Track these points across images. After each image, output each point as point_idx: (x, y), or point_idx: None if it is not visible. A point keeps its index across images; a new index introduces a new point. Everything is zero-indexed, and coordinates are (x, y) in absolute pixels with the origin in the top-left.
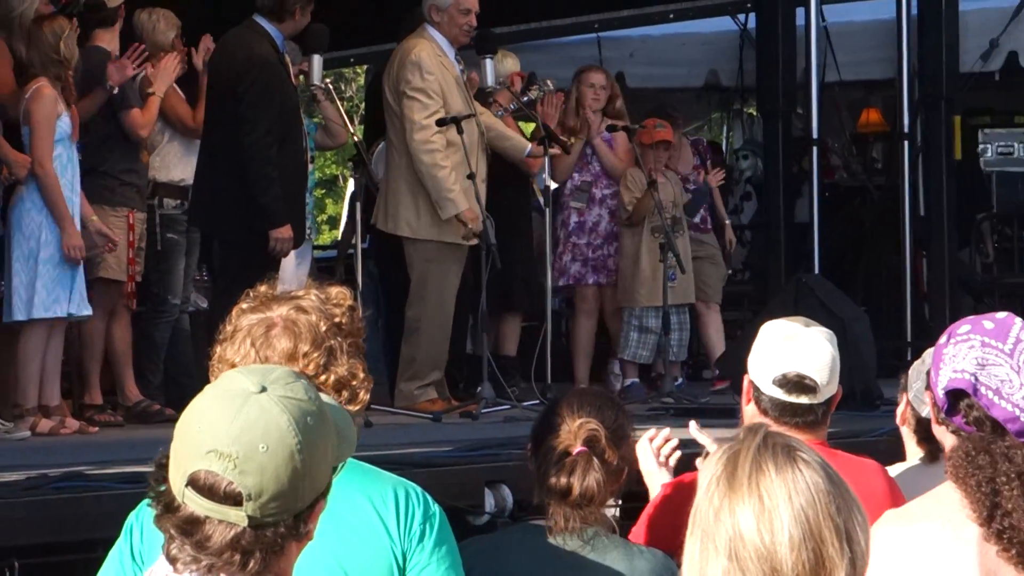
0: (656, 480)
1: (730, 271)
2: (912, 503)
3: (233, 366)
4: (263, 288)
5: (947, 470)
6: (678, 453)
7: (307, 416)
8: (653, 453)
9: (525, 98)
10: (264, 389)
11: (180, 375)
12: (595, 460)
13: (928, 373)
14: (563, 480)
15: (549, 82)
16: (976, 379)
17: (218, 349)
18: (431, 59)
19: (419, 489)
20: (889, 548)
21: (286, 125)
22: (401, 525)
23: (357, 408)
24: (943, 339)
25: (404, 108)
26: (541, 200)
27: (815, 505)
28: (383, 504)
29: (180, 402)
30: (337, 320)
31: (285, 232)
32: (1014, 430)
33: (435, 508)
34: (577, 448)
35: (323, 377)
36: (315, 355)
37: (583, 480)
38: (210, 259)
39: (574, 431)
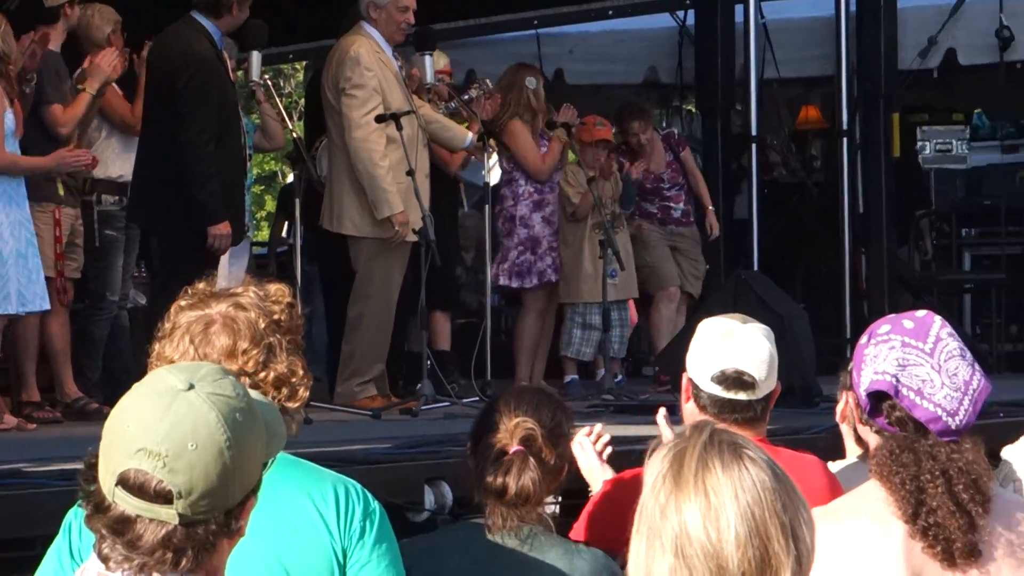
0: (596, 477)
1: (708, 266)
2: (838, 500)
3: (172, 363)
4: (202, 285)
5: (871, 468)
6: (609, 449)
7: (236, 412)
8: (591, 449)
9: (466, 96)
10: (192, 386)
11: (119, 371)
12: (531, 460)
13: (850, 373)
14: (499, 480)
15: (488, 81)
16: (897, 380)
17: (157, 346)
18: (370, 56)
19: (359, 486)
20: (816, 545)
21: (224, 121)
22: (341, 522)
23: (297, 405)
24: (863, 339)
25: (343, 106)
26: (464, 198)
27: (761, 503)
28: (323, 501)
29: (119, 399)
30: (276, 317)
31: (223, 228)
32: (936, 430)
33: (375, 505)
34: (513, 447)
35: (262, 374)
36: (254, 352)
37: (519, 480)
38: (149, 256)
39: (510, 430)
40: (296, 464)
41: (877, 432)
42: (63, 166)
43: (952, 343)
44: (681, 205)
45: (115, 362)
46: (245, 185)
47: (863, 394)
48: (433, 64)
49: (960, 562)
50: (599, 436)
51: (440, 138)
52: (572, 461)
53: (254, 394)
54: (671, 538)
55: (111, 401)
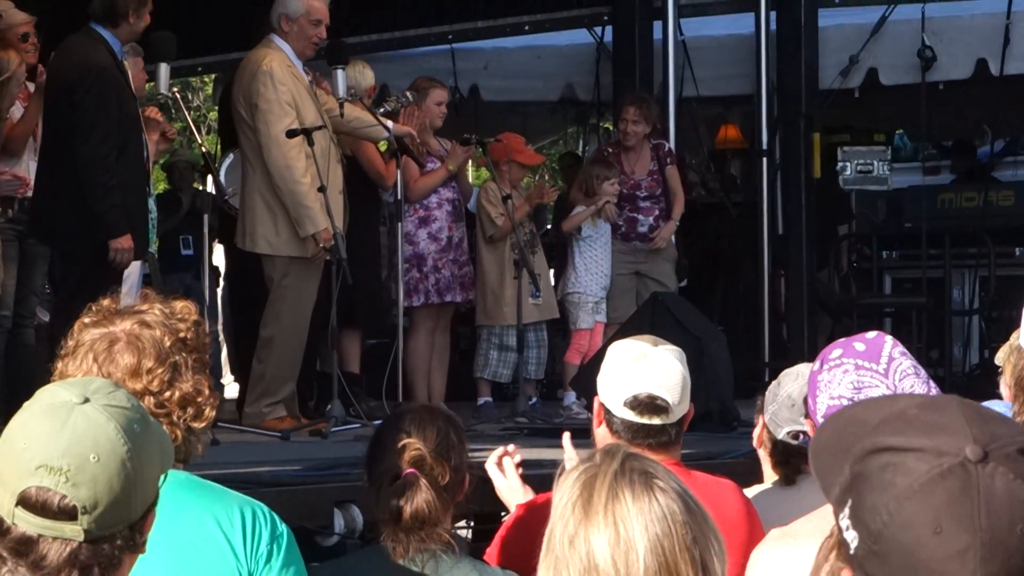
0: (512, 499)
1: (684, 282)
2: (797, 522)
3: None
4: (106, 302)
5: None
6: (519, 471)
7: (133, 423)
8: (511, 470)
9: (381, 110)
10: (87, 400)
11: (23, 391)
12: (423, 481)
13: (805, 402)
14: (393, 503)
15: (409, 94)
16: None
17: (60, 364)
18: (282, 70)
19: (266, 509)
20: (775, 567)
21: (125, 133)
22: (248, 546)
23: (203, 425)
24: (816, 366)
25: (258, 121)
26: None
27: (671, 535)
28: (229, 524)
29: None
30: (182, 335)
31: (125, 242)
32: None
33: (283, 528)
34: (405, 471)
35: (168, 393)
36: (159, 371)
37: (413, 503)
38: (53, 271)
39: (398, 454)
40: (202, 486)
41: None
42: None
43: (906, 362)
44: (651, 220)
45: (19, 381)
46: (148, 198)
47: (820, 421)
48: (347, 79)
49: None
50: (503, 455)
51: (363, 134)
52: (472, 472)
53: None
54: (579, 569)
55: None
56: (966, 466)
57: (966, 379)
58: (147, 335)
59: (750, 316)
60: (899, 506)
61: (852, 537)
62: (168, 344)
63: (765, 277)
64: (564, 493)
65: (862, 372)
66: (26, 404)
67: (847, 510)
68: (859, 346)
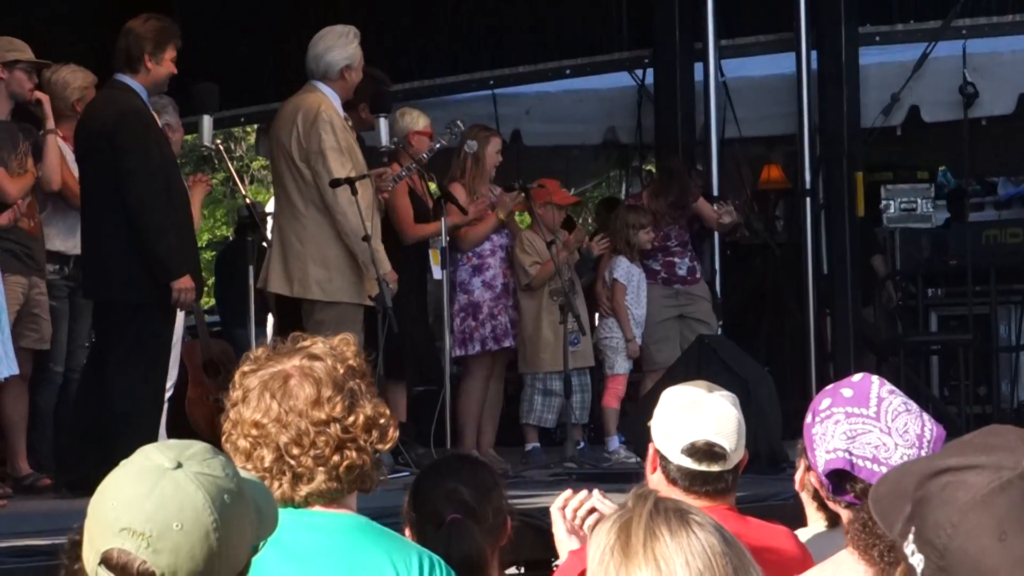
0: (566, 548)
1: (721, 322)
2: (812, 571)
3: (256, 425)
4: (259, 351)
5: (848, 543)
6: (595, 515)
7: (224, 494)
8: (559, 519)
9: (437, 145)
10: (180, 465)
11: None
12: (468, 523)
13: (803, 454)
14: (440, 550)
15: (459, 123)
16: (850, 454)
17: (232, 415)
18: (339, 118)
19: (442, 561)
20: None
21: (168, 173)
22: None
23: (388, 445)
24: (808, 418)
25: (324, 167)
26: (436, 268)
27: (712, 568)
28: (406, 571)
29: (70, 472)
30: (351, 363)
31: (186, 282)
32: None
33: None
34: (449, 516)
35: (351, 419)
36: (338, 398)
37: (460, 547)
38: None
39: (440, 500)
40: (381, 531)
41: (847, 507)
42: None
43: (895, 400)
44: (687, 261)
45: (66, 435)
46: (196, 238)
47: (822, 475)
48: (388, 127)
49: None
50: (581, 502)
51: None
52: (510, 511)
53: (244, 474)
54: None
55: (63, 472)
56: None
57: (1015, 415)
58: (319, 366)
59: (796, 356)
60: (962, 518)
61: (918, 561)
62: (341, 372)
63: (811, 317)
64: (600, 540)
65: (853, 420)
66: (123, 462)
67: (911, 536)
68: (846, 392)
